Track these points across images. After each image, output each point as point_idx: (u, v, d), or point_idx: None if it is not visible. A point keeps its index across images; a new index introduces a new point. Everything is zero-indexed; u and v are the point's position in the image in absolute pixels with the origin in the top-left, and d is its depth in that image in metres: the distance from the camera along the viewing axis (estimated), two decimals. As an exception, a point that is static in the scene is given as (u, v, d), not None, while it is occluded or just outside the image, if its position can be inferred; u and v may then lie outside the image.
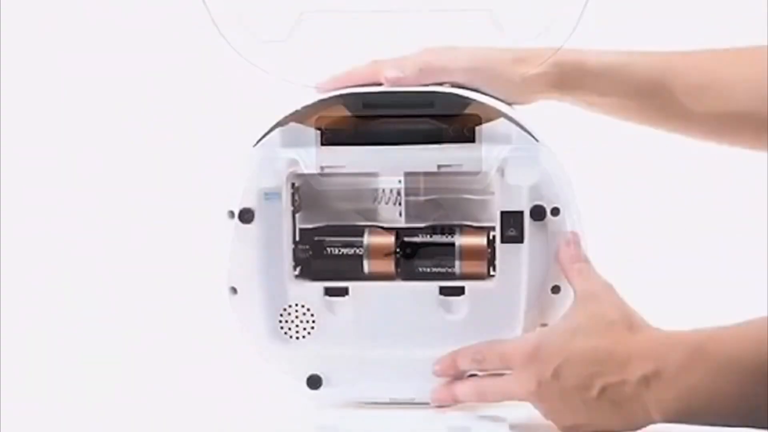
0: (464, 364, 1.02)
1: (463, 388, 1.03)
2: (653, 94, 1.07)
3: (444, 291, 1.05)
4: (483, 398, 1.01)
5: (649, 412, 0.92)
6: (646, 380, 0.91)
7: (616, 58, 1.07)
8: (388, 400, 1.06)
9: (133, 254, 1.52)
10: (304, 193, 1.07)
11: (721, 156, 1.12)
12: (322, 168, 1.04)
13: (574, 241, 1.02)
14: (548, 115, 1.08)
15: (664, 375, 0.91)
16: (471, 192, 1.07)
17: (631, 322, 0.96)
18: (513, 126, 1.03)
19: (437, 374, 1.04)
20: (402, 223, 1.07)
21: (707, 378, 0.89)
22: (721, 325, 0.91)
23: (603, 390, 0.93)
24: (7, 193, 1.56)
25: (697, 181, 1.54)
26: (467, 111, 1.05)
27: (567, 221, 1.03)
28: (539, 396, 0.96)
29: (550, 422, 0.97)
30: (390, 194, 1.07)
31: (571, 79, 1.06)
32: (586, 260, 1.01)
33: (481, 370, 1.02)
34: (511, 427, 1.01)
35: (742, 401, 0.89)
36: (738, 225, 1.52)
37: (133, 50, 1.58)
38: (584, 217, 1.03)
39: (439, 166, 1.03)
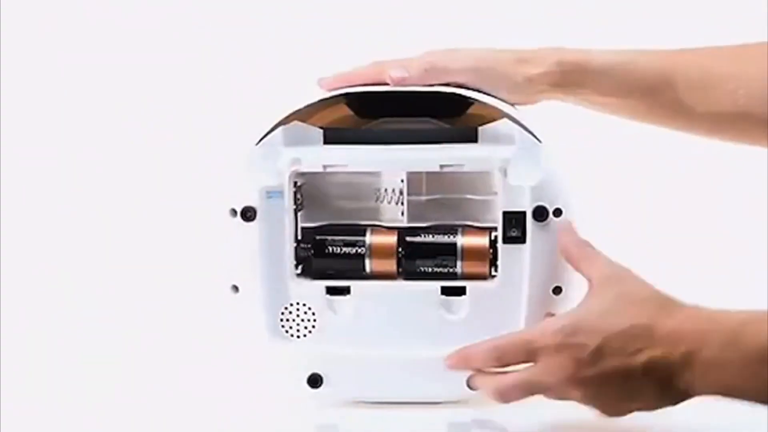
0: (482, 364, 1.00)
1: (483, 384, 1.00)
2: (656, 93, 1.07)
3: (445, 291, 1.05)
4: (506, 397, 0.97)
5: (690, 387, 0.91)
6: (688, 356, 0.91)
7: (618, 57, 1.07)
8: (388, 400, 1.06)
9: (134, 252, 1.52)
10: (307, 191, 1.07)
11: (723, 155, 1.12)
12: (324, 167, 1.04)
13: (569, 228, 1.01)
14: (551, 115, 1.08)
15: (704, 353, 0.90)
16: (473, 192, 1.07)
17: (662, 302, 0.95)
18: (515, 126, 1.03)
19: (450, 368, 1.01)
20: (404, 223, 1.06)
21: (746, 359, 0.89)
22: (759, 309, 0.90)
23: (646, 365, 0.92)
24: (7, 193, 1.56)
25: (700, 180, 1.54)
26: (470, 111, 1.05)
27: (569, 222, 1.02)
28: (576, 382, 0.94)
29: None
30: (392, 194, 1.07)
31: (574, 78, 1.06)
32: (589, 245, 1.01)
33: (501, 367, 0.99)
34: (512, 428, 1.01)
35: None
36: (739, 224, 1.52)
37: (133, 50, 1.58)
38: (587, 218, 1.03)
39: (441, 166, 1.03)
